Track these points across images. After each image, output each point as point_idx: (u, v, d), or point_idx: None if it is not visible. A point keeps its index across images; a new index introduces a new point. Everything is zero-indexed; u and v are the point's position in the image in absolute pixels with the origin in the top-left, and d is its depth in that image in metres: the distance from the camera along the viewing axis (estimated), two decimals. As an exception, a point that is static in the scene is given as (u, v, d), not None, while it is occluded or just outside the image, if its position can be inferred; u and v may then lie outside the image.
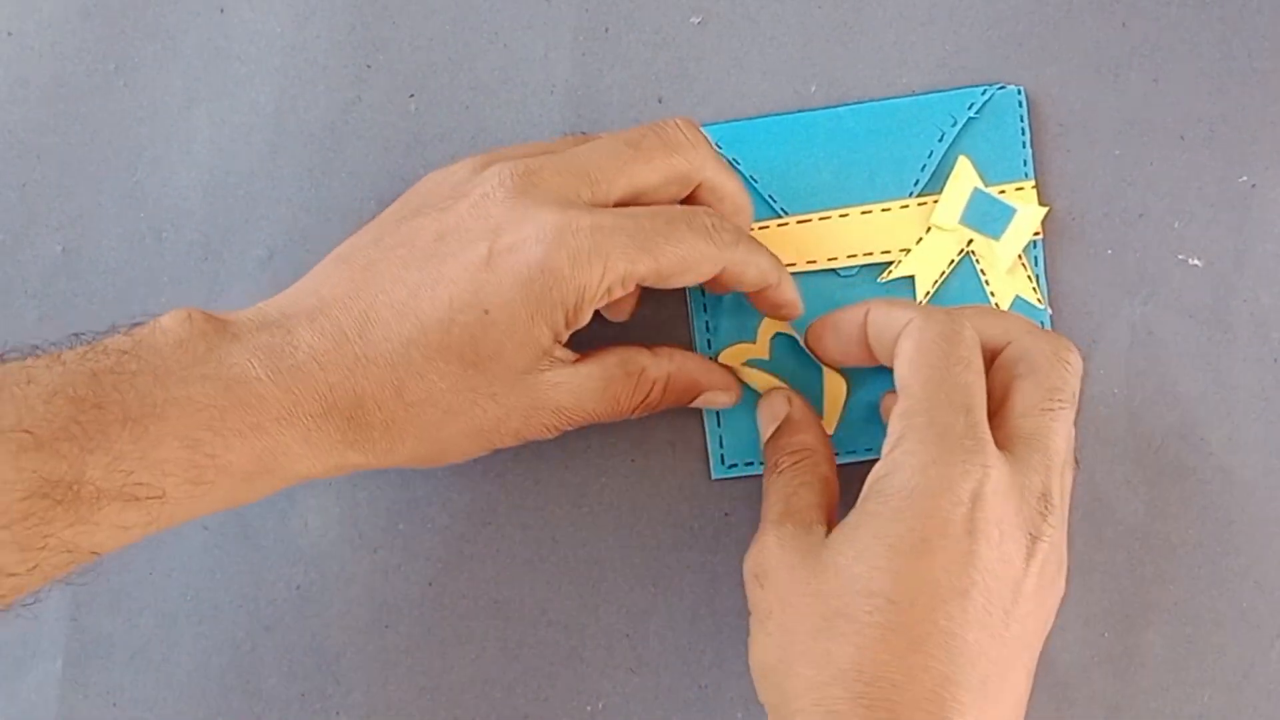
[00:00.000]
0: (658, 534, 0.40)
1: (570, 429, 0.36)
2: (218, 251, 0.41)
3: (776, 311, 0.38)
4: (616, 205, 0.34)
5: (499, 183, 0.33)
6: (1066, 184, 0.40)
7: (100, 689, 0.41)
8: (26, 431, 0.29)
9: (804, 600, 0.32)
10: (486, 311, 0.32)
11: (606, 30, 0.41)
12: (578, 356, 0.35)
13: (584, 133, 0.40)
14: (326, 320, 0.32)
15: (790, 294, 0.37)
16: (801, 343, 0.38)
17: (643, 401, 0.37)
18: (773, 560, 0.33)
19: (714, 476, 0.40)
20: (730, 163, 0.39)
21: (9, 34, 0.42)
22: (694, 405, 0.38)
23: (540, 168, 0.34)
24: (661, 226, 0.33)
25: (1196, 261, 0.40)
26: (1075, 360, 0.34)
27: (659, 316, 0.40)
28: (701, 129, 0.36)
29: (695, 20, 0.40)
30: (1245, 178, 0.40)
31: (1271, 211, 0.40)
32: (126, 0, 0.42)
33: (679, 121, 0.35)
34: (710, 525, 0.40)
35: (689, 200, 0.36)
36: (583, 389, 0.35)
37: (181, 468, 0.30)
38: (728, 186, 0.36)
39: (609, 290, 0.33)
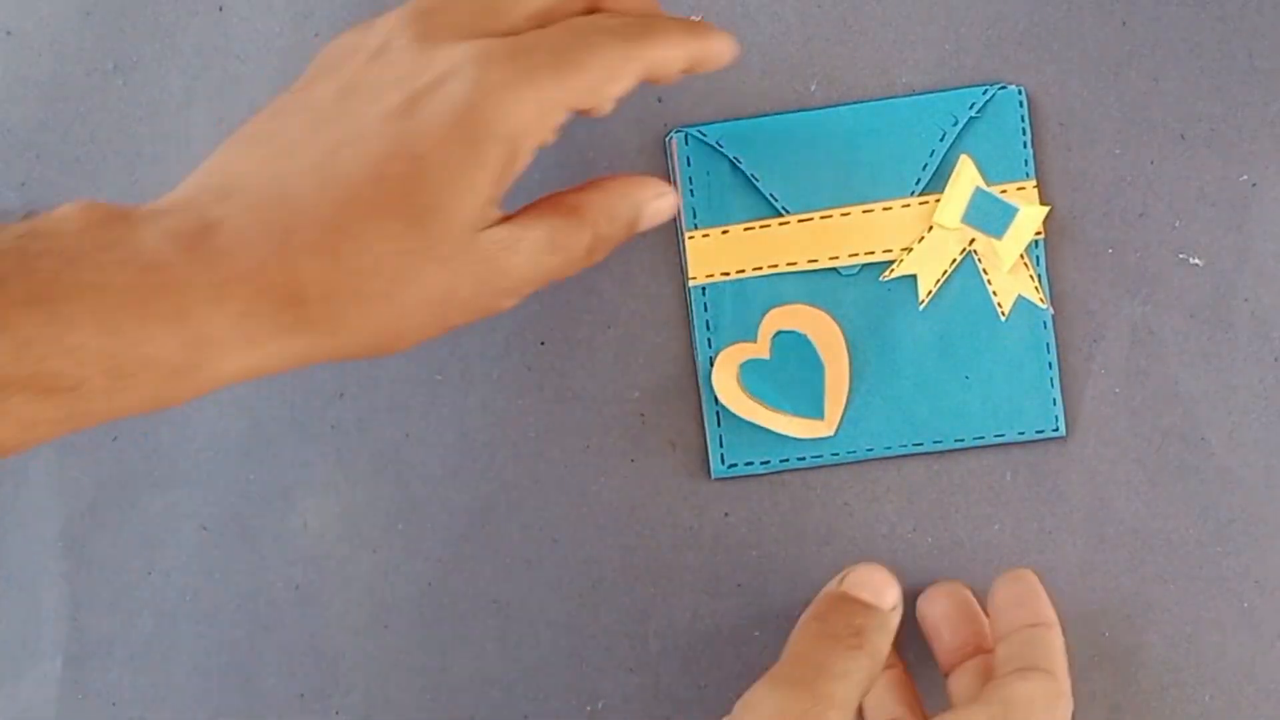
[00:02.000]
0: (658, 534, 0.40)
1: (527, 293, 0.33)
2: (217, 251, 0.41)
3: (714, 64, 0.35)
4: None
5: (395, 27, 0.31)
6: (1067, 183, 0.40)
7: (100, 689, 0.41)
8: None
9: None
10: (418, 157, 0.29)
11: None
12: (512, 214, 0.33)
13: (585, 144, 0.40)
14: (242, 196, 0.29)
15: (717, 45, 0.34)
16: None
17: (591, 242, 0.34)
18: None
19: (714, 476, 0.40)
20: (732, 162, 0.39)
21: (8, 33, 0.42)
22: (642, 228, 0.36)
23: (437, 4, 0.31)
24: (576, 40, 0.31)
25: (1197, 261, 0.40)
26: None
27: (656, 315, 0.40)
28: None
29: (695, 19, 0.40)
30: (1246, 176, 0.40)
31: (1272, 210, 0.40)
32: (125, -1, 0.42)
33: None
34: (710, 525, 0.40)
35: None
36: (531, 243, 0.32)
37: (99, 356, 0.27)
38: None
39: (544, 123, 0.30)
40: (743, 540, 0.40)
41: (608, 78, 0.31)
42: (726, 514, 0.40)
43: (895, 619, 0.34)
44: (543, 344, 0.41)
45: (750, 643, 0.40)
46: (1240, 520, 0.39)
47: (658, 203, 0.35)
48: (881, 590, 0.35)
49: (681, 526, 0.40)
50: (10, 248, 0.27)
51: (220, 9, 0.42)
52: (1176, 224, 0.40)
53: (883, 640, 0.34)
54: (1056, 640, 0.35)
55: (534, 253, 0.32)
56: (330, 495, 0.41)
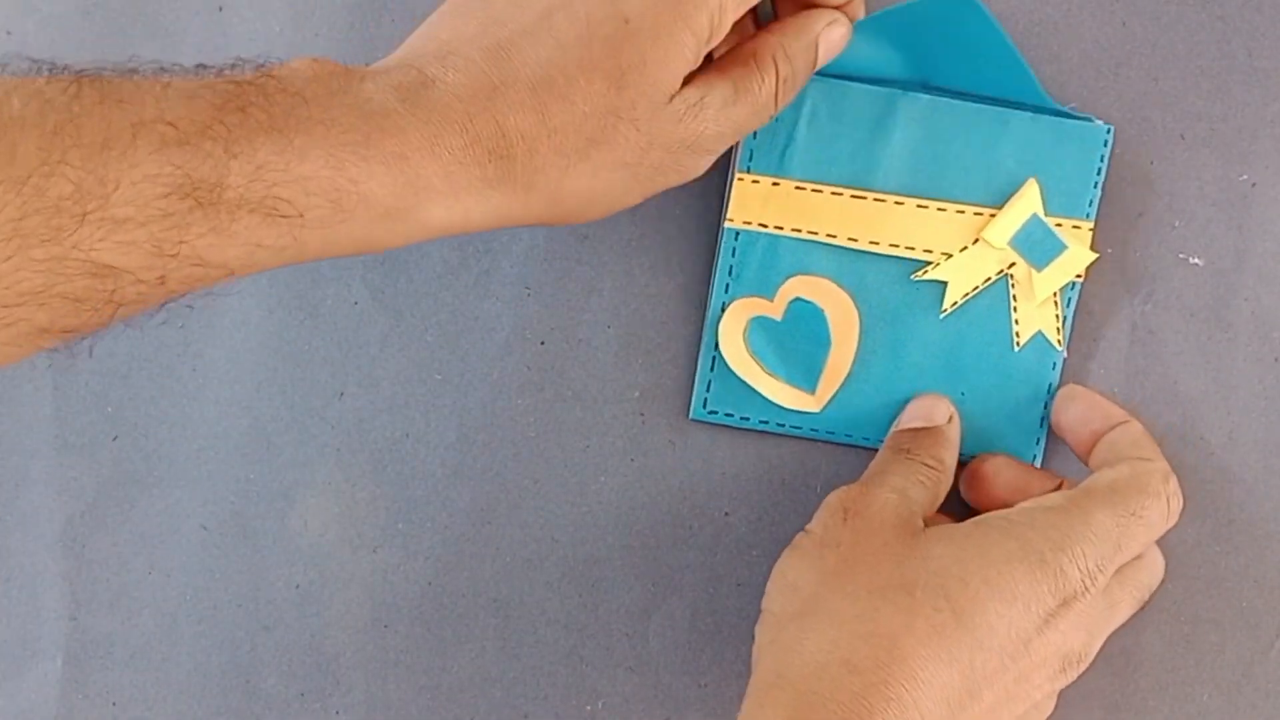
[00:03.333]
0: (658, 534, 0.40)
1: (720, 150, 0.35)
2: (217, 251, 0.41)
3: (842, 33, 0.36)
4: None
5: None
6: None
7: (100, 688, 0.41)
8: (170, 124, 0.27)
9: (880, 557, 0.33)
10: (627, 21, 0.31)
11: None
12: (695, 73, 0.34)
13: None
14: (457, 57, 0.31)
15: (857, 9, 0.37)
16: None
17: (775, 86, 0.35)
18: (875, 508, 0.34)
19: (691, 417, 0.40)
20: (810, 112, 0.39)
21: (8, 33, 0.42)
22: (822, 62, 0.36)
23: None
24: None
25: (1197, 260, 0.40)
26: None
27: (657, 315, 0.40)
28: None
29: None
30: (1246, 176, 0.40)
31: (1272, 210, 0.40)
32: (125, -1, 0.42)
33: None
34: (710, 525, 0.40)
35: None
36: (718, 98, 0.33)
37: (323, 188, 0.29)
38: None
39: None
40: (742, 539, 0.40)
41: None
42: (726, 514, 0.40)
43: (953, 431, 0.38)
44: (543, 344, 0.41)
45: (750, 643, 0.39)
46: (1240, 520, 0.39)
47: (829, 32, 0.36)
48: (931, 411, 0.38)
49: (681, 526, 0.40)
50: (251, 82, 0.29)
51: (220, 9, 0.42)
52: (1176, 224, 0.40)
53: (939, 449, 0.37)
54: (1132, 430, 0.38)
55: (721, 107, 0.33)
56: (330, 495, 0.41)
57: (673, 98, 0.32)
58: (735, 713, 0.40)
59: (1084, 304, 0.40)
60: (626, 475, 0.40)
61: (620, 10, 0.31)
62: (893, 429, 0.39)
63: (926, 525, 0.35)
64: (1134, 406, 0.39)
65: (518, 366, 0.41)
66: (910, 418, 0.38)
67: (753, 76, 0.34)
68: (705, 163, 0.34)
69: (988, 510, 0.36)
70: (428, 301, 0.41)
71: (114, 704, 0.41)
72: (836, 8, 0.36)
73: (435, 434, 0.41)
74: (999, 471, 0.38)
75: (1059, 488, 0.37)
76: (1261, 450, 0.39)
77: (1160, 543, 0.37)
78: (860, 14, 0.37)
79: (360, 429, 0.41)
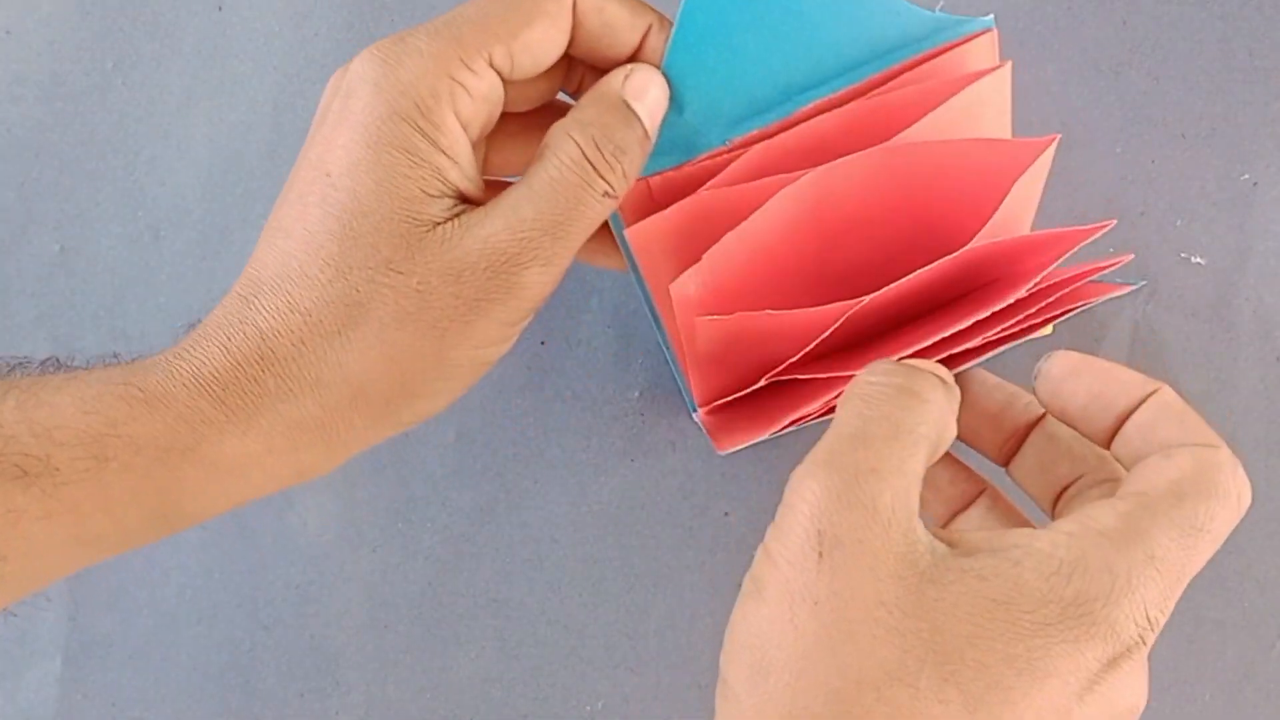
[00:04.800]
0: (658, 534, 0.40)
1: (543, 252, 0.29)
2: (216, 251, 0.41)
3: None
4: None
5: (357, 62, 0.29)
6: (1068, 182, 0.40)
7: (99, 688, 0.41)
8: None
9: (873, 626, 0.24)
10: (328, 174, 0.28)
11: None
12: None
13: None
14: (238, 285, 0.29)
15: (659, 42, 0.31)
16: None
17: (585, 156, 0.29)
18: (862, 532, 0.25)
19: (693, 416, 0.38)
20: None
21: (7, 32, 0.42)
22: (644, 119, 0.31)
23: (404, 34, 0.29)
24: None
25: (1199, 259, 0.40)
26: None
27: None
28: None
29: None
30: (1247, 175, 0.40)
31: (1273, 209, 0.40)
32: (124, -2, 0.42)
33: None
34: (710, 525, 0.40)
35: None
36: (507, 206, 0.29)
37: (78, 437, 0.26)
38: None
39: (454, 77, 0.28)
40: (743, 540, 0.40)
41: (526, 22, 0.29)
42: (726, 514, 0.40)
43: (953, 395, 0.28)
44: (543, 344, 0.41)
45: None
46: (1242, 521, 0.39)
47: (629, 84, 0.31)
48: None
49: (681, 526, 0.40)
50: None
51: (220, 9, 0.42)
52: (1178, 223, 0.40)
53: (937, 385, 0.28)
54: (1171, 402, 0.28)
55: (501, 213, 0.29)
56: (330, 495, 0.41)
57: (436, 225, 0.28)
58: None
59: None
60: (626, 475, 0.40)
61: (323, 164, 0.28)
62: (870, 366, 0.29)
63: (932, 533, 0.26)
64: (1135, 406, 0.39)
65: (518, 366, 0.41)
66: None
67: (542, 162, 0.29)
68: (533, 276, 0.29)
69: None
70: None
71: (113, 703, 0.41)
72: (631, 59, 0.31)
73: (435, 434, 0.41)
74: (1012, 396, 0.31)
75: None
76: (1264, 450, 0.39)
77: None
78: (657, 56, 0.31)
79: (360, 429, 0.41)
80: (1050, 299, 0.32)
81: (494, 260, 0.28)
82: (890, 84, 0.33)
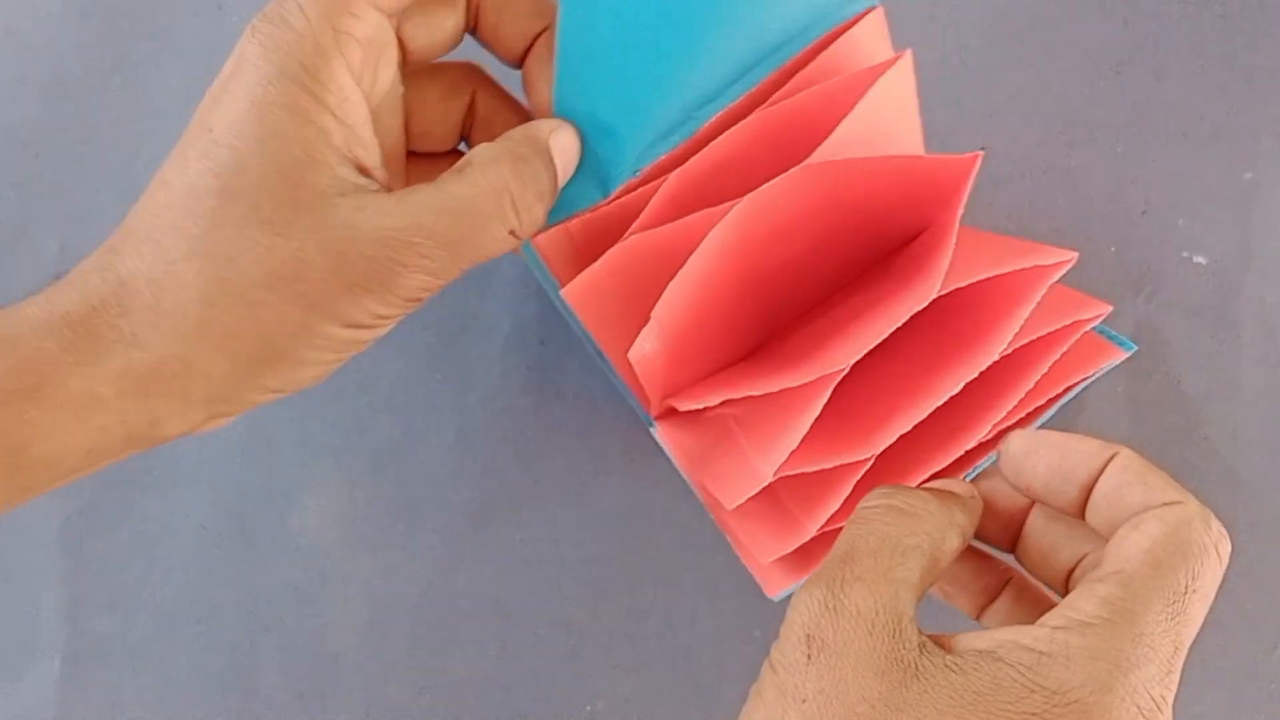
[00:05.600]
0: (658, 534, 0.40)
1: (421, 281, 0.29)
2: (216, 250, 0.41)
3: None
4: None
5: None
6: (1069, 181, 0.40)
7: (99, 688, 0.41)
8: None
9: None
10: (210, 130, 0.28)
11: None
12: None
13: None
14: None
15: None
16: None
17: (520, 222, 0.29)
18: (847, 637, 0.25)
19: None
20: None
21: (7, 32, 0.42)
22: (559, 174, 0.31)
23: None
24: None
25: (1200, 259, 0.40)
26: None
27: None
28: None
29: None
30: (1249, 174, 0.39)
31: (1275, 208, 0.39)
32: (124, -2, 0.42)
33: None
34: (710, 525, 0.40)
35: None
36: (420, 206, 0.28)
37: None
38: None
39: (337, 27, 0.28)
40: (743, 540, 0.40)
41: None
42: (727, 514, 0.40)
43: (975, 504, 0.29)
44: (542, 344, 0.40)
45: (750, 643, 0.39)
46: (1242, 520, 0.39)
47: (562, 140, 0.31)
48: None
49: (681, 526, 0.40)
50: None
51: (220, 9, 0.42)
52: (1180, 222, 0.40)
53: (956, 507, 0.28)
54: (1131, 463, 0.27)
55: (422, 215, 0.29)
56: (330, 495, 0.41)
57: (330, 197, 0.28)
58: (735, 713, 0.40)
59: (1086, 303, 0.40)
60: (626, 475, 0.40)
61: (207, 123, 0.29)
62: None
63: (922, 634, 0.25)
64: (1138, 405, 0.39)
65: (518, 366, 0.41)
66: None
67: (460, 177, 0.29)
68: (416, 280, 0.29)
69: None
70: (428, 301, 0.40)
71: (113, 704, 0.41)
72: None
73: (435, 434, 0.41)
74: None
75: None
76: (1266, 450, 0.39)
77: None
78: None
79: (360, 429, 0.41)
80: (1050, 394, 0.33)
81: (381, 252, 0.28)
82: (789, 84, 0.32)
